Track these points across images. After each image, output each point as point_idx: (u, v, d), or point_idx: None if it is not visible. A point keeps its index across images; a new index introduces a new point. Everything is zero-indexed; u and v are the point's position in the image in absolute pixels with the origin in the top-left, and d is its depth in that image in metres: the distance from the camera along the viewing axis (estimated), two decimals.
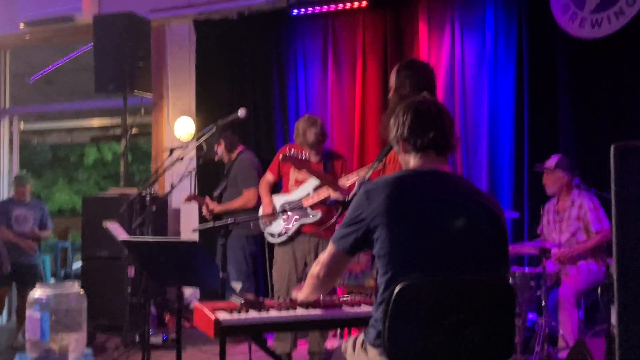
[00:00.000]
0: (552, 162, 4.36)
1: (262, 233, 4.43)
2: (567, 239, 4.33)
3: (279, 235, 4.23)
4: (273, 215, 4.24)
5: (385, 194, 1.91)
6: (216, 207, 4.92)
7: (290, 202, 4.25)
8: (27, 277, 5.57)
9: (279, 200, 4.32)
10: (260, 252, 4.86)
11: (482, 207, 1.97)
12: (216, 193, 5.07)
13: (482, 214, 1.97)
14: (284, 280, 4.18)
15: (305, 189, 4.19)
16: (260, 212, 4.37)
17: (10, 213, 6.04)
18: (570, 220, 4.32)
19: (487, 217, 1.97)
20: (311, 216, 4.17)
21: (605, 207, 4.29)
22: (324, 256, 2.10)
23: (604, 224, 4.20)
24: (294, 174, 4.31)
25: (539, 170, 4.43)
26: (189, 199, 5.06)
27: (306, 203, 4.12)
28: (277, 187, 4.63)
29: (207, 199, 5.00)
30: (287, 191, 4.34)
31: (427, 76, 2.97)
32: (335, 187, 3.74)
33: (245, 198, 4.82)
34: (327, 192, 4.02)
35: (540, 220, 4.51)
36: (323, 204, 4.09)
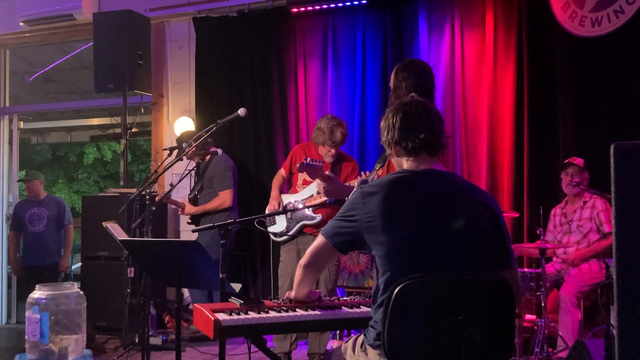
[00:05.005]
0: (580, 161, 4.37)
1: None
2: (577, 240, 4.32)
3: (281, 234, 4.26)
4: (276, 213, 4.30)
5: (382, 196, 1.91)
6: (192, 209, 5.04)
7: (295, 202, 4.32)
8: (50, 278, 5.58)
9: (285, 199, 4.40)
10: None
11: (479, 205, 1.97)
12: (191, 195, 5.18)
13: (480, 211, 1.96)
14: (288, 277, 4.23)
15: (311, 190, 4.24)
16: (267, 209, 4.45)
17: (24, 214, 6.06)
18: (582, 221, 4.31)
19: (486, 215, 1.97)
20: (312, 218, 4.19)
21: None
22: (311, 246, 2.12)
23: None
24: (302, 175, 4.34)
25: (568, 164, 4.38)
26: (163, 200, 4.99)
27: (308, 204, 4.16)
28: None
29: (185, 201, 5.09)
30: (295, 191, 4.41)
31: (425, 78, 2.96)
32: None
33: (221, 199, 4.97)
34: None
35: (545, 224, 4.47)
36: (325, 206, 4.09)
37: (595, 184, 4.29)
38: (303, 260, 2.15)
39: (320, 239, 2.07)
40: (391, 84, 3.00)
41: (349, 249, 2.06)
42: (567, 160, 4.43)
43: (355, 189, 2.23)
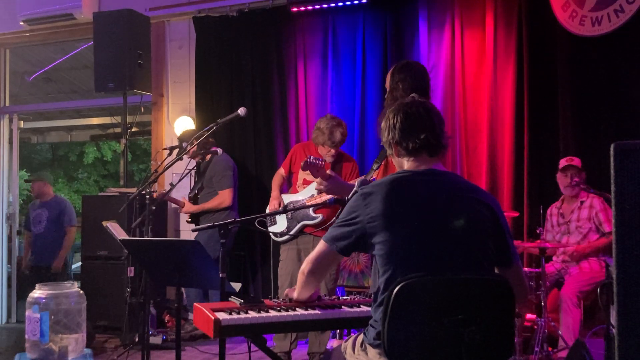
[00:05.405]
0: (578, 162, 4.35)
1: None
2: (577, 240, 4.32)
3: (282, 234, 4.27)
4: (276, 213, 4.31)
5: (382, 196, 1.92)
6: (192, 208, 5.08)
7: (295, 201, 4.30)
8: (49, 278, 5.60)
9: (286, 199, 4.40)
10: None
11: (480, 205, 1.98)
12: (191, 194, 5.21)
13: (480, 211, 1.97)
14: (288, 277, 4.23)
15: (311, 189, 4.23)
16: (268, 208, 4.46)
17: (31, 214, 6.18)
18: (581, 222, 4.31)
19: (486, 215, 1.97)
20: (313, 218, 4.19)
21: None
22: (312, 253, 2.12)
23: None
24: (302, 174, 4.34)
25: (567, 167, 4.36)
26: (161, 197, 4.97)
27: (309, 204, 4.15)
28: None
29: (184, 199, 5.13)
30: (295, 190, 4.41)
31: (421, 79, 2.96)
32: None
33: (220, 198, 5.01)
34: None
35: (544, 224, 4.48)
36: (325, 206, 4.10)
37: (594, 184, 4.29)
38: (306, 267, 2.13)
39: (322, 246, 2.06)
40: (387, 85, 3.00)
41: (352, 251, 2.06)
42: (565, 162, 4.41)
43: (355, 189, 2.23)
